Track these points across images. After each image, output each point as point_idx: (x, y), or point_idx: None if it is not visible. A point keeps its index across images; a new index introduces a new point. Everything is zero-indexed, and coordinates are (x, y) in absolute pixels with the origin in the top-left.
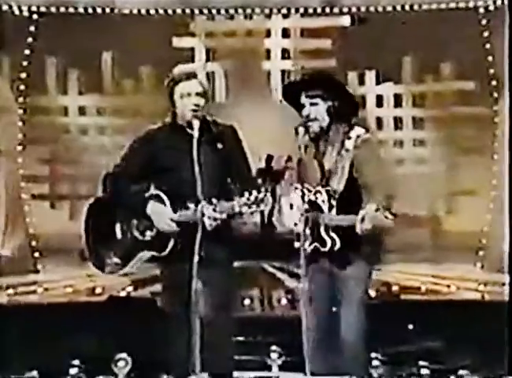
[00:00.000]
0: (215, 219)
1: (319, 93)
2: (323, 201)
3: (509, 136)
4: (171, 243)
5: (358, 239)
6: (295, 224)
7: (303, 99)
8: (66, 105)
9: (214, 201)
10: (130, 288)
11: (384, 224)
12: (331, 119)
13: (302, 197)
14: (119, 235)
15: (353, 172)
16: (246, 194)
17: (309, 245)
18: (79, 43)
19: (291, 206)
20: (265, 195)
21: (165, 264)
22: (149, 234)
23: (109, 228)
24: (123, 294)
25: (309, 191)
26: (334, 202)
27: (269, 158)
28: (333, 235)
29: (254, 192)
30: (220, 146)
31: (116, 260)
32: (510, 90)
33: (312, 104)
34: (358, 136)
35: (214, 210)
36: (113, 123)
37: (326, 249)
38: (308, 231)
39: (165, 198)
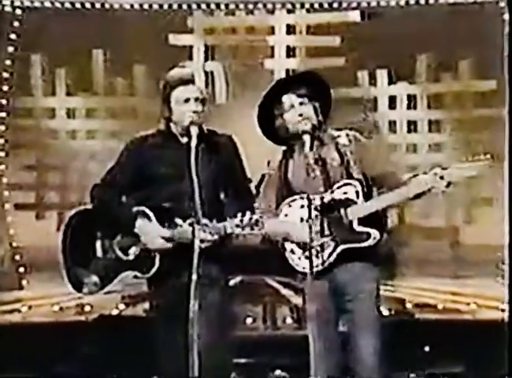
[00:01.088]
0: (205, 240)
1: (306, 92)
2: (356, 193)
3: (509, 138)
4: (156, 264)
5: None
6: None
7: (292, 99)
8: (53, 107)
9: (204, 221)
10: (122, 306)
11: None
12: (318, 119)
13: (303, 206)
14: (99, 252)
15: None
16: (239, 215)
17: (333, 251)
18: (68, 40)
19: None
20: (261, 217)
21: (154, 284)
22: (132, 252)
23: (90, 244)
24: (114, 312)
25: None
26: (365, 191)
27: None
28: (367, 228)
29: (248, 214)
30: (216, 157)
31: (95, 279)
32: (510, 89)
33: (301, 103)
34: (347, 134)
35: (204, 231)
36: (105, 126)
37: (369, 243)
38: (327, 240)
39: (150, 214)
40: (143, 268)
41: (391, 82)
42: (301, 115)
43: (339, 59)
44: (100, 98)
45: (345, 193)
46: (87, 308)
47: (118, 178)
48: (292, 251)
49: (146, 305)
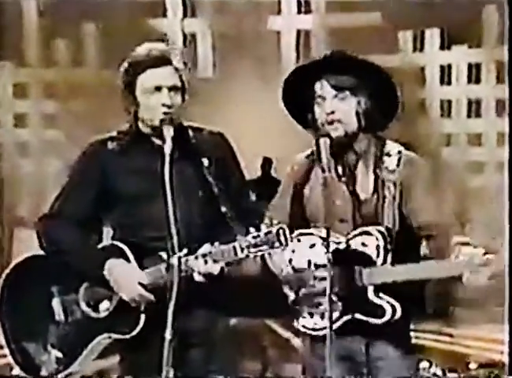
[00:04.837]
0: (205, 275)
1: (349, 83)
2: (377, 248)
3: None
4: (142, 319)
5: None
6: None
7: (324, 88)
8: None
9: (208, 249)
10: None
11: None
12: (359, 123)
13: (313, 246)
14: (59, 315)
15: (401, 204)
16: (253, 230)
17: (340, 316)
18: None
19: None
20: (282, 228)
21: (128, 347)
22: (105, 307)
23: (43, 306)
24: None
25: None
26: (389, 248)
27: (266, 163)
28: (387, 298)
29: (264, 227)
30: (206, 163)
31: (56, 354)
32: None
33: (337, 97)
34: (399, 152)
35: (206, 262)
36: (40, 108)
37: (381, 320)
38: (334, 299)
39: (126, 250)
40: (124, 327)
41: (444, 46)
42: (330, 113)
43: (373, 15)
44: (32, 69)
45: (363, 244)
46: (17, 371)
47: (75, 204)
48: (295, 303)
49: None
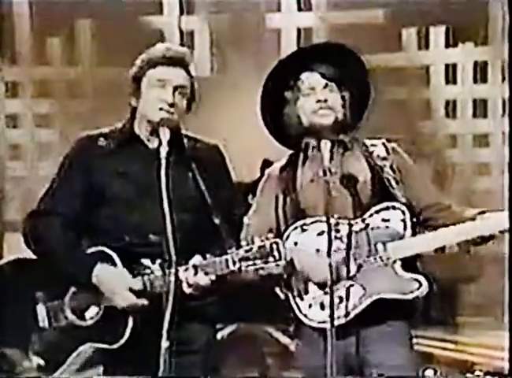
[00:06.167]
0: (197, 287)
1: (336, 75)
2: (403, 222)
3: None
4: (129, 327)
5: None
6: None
7: (314, 79)
8: None
9: (199, 260)
10: None
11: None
12: (345, 116)
13: (322, 233)
14: (43, 320)
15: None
16: (244, 243)
17: (361, 299)
18: None
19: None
20: (276, 243)
21: (114, 358)
22: (91, 315)
23: (27, 311)
24: None
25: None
26: (416, 220)
27: (266, 165)
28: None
29: (257, 240)
30: (199, 173)
31: (38, 361)
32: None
33: (325, 87)
34: (383, 143)
35: (196, 273)
36: (33, 108)
37: (417, 294)
38: (353, 283)
39: (114, 256)
40: (110, 336)
41: (449, 43)
42: (322, 101)
43: (376, 12)
44: (25, 67)
45: (386, 220)
46: None
47: (62, 201)
48: (300, 296)
49: None
